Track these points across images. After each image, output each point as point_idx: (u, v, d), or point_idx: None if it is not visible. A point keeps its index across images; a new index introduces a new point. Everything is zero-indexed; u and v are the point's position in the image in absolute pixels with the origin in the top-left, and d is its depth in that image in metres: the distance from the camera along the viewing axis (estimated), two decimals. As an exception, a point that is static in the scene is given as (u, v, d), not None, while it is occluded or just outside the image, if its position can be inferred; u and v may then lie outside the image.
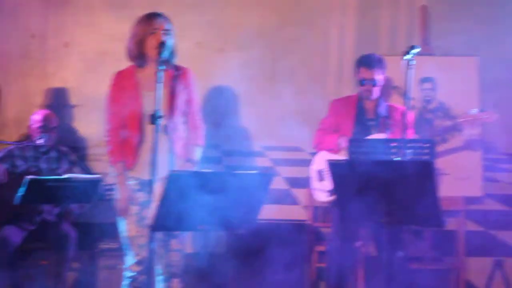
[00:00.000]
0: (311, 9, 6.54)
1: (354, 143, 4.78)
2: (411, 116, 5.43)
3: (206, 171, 3.78)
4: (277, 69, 6.46)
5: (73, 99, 6.44)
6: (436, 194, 3.67)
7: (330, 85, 6.49)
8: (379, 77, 5.25)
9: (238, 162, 6.46)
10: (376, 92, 5.31)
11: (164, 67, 4.24)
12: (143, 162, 4.48)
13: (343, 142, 5.20)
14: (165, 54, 4.43)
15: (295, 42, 6.47)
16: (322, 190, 5.34)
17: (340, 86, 6.44)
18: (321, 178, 5.36)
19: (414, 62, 4.42)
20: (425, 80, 6.11)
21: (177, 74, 4.58)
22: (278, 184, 6.48)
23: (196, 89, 4.67)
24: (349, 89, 6.05)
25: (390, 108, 5.38)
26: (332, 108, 5.50)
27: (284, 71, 6.40)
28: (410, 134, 5.16)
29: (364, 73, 5.28)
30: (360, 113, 5.36)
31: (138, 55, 4.58)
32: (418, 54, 4.58)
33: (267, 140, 6.35)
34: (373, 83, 5.23)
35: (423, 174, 3.65)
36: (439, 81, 6.08)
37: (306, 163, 5.71)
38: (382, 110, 5.38)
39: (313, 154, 5.56)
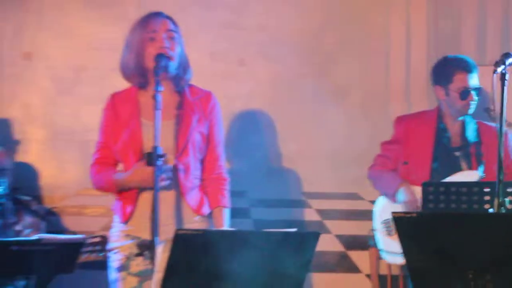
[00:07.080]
0: (364, 3, 5.89)
1: (432, 190, 4.16)
2: None
3: (229, 230, 3.76)
4: (321, 87, 5.83)
5: (37, 132, 5.85)
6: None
7: (394, 105, 5.84)
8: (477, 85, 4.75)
9: (272, 215, 5.83)
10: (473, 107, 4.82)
11: (162, 89, 3.80)
12: (142, 215, 4.09)
13: (407, 194, 4.61)
14: (172, 68, 4.05)
15: (343, 49, 5.82)
16: (391, 252, 4.82)
17: (408, 107, 5.82)
18: (388, 232, 4.83)
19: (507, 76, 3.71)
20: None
21: (192, 99, 4.22)
22: (328, 245, 5.83)
23: (220, 120, 4.28)
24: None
25: (481, 130, 4.78)
26: (399, 129, 4.83)
27: (329, 89, 5.77)
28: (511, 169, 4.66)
29: (463, 80, 4.67)
30: (441, 138, 4.74)
31: (137, 72, 4.15)
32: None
33: (312, 185, 5.77)
34: (477, 92, 4.66)
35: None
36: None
37: (367, 215, 5.16)
38: (472, 132, 4.76)
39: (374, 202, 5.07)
